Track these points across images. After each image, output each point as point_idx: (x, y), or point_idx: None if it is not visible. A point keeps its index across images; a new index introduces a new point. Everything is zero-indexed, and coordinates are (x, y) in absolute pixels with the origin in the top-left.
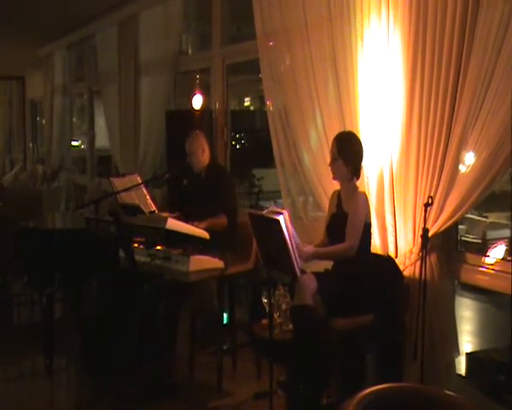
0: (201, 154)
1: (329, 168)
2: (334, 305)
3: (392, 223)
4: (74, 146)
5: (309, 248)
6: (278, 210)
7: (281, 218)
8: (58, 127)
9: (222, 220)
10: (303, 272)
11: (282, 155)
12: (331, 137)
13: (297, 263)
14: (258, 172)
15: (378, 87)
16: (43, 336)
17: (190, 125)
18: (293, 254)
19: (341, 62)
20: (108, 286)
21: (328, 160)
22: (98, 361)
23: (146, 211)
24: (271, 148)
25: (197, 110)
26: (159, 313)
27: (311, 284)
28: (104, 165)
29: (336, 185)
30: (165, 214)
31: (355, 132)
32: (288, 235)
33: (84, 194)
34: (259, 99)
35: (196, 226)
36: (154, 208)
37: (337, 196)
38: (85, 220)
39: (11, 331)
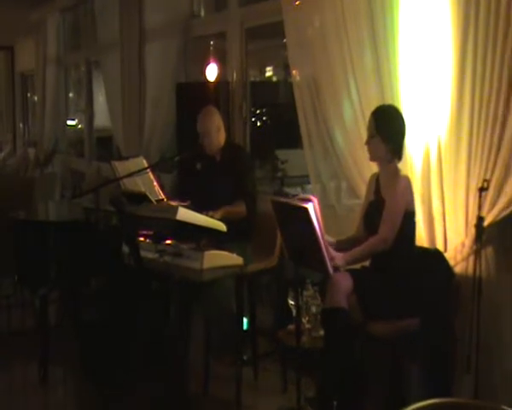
0: (216, 134)
1: (366, 148)
2: (372, 307)
3: (441, 211)
4: (70, 126)
5: (338, 258)
6: (307, 197)
7: (309, 206)
8: (52, 104)
9: (240, 209)
10: (336, 269)
11: (310, 134)
12: (368, 111)
13: (329, 258)
14: (282, 154)
15: (423, 50)
16: (36, 343)
17: (204, 100)
18: (324, 248)
19: (380, 22)
20: (110, 286)
21: (365, 138)
22: (98, 373)
23: (153, 199)
24: (298, 125)
25: (212, 82)
26: (168, 317)
27: (345, 283)
28: (104, 147)
29: (375, 168)
30: (174, 203)
31: (396, 105)
32: (319, 226)
33: (82, 180)
34: (284, 68)
35: (211, 217)
36: (163, 196)
37: (375, 180)
38: (84, 211)
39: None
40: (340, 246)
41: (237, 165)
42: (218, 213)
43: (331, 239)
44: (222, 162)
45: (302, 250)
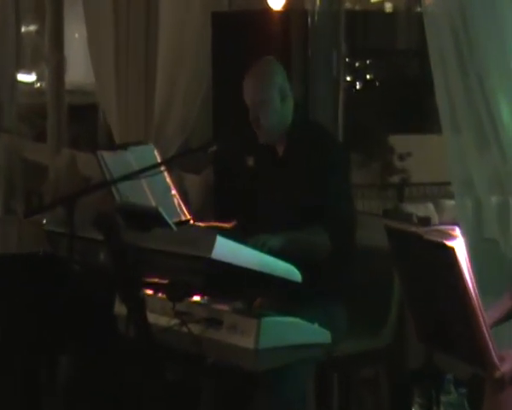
0: (277, 106)
1: None
2: None
3: None
4: (24, 83)
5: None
6: (449, 230)
7: (457, 243)
8: None
9: (316, 240)
10: (502, 358)
11: (454, 107)
12: None
13: (491, 341)
14: (401, 143)
15: None
16: None
17: (261, 44)
18: (482, 322)
19: None
20: (91, 373)
21: None
22: None
23: (170, 221)
24: (431, 91)
25: (276, 12)
26: None
27: None
28: (83, 123)
29: None
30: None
31: None
32: (471, 279)
33: (44, 182)
34: None
35: (261, 246)
36: (187, 216)
37: None
38: (47, 238)
39: None
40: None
41: (316, 162)
42: (277, 240)
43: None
44: (287, 157)
45: (440, 323)
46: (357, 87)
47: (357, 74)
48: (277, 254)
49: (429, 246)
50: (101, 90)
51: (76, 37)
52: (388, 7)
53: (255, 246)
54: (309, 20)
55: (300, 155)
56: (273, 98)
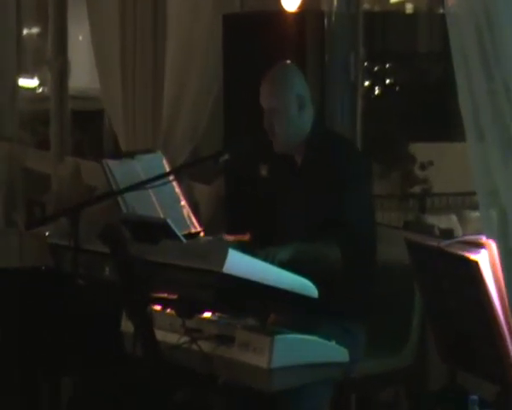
0: (295, 113)
1: None
2: None
3: None
4: (25, 88)
5: None
6: (475, 240)
7: (480, 256)
8: None
9: (330, 252)
10: None
11: (478, 114)
12: None
13: None
14: (422, 151)
15: None
16: None
17: (275, 47)
18: (507, 339)
19: None
20: (96, 394)
21: None
22: None
23: (179, 234)
24: (454, 96)
25: (291, 13)
26: None
27: None
28: (88, 130)
29: None
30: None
31: None
32: (499, 295)
33: (47, 193)
34: None
35: (272, 259)
36: (198, 228)
37: None
38: (50, 250)
39: None
40: None
41: (336, 173)
42: (286, 253)
43: None
44: (306, 167)
45: (463, 339)
46: (376, 92)
47: (376, 79)
48: (287, 267)
49: (451, 259)
50: (106, 95)
51: (80, 39)
52: (409, 8)
53: (265, 259)
54: (325, 21)
55: (320, 165)
56: (289, 106)
